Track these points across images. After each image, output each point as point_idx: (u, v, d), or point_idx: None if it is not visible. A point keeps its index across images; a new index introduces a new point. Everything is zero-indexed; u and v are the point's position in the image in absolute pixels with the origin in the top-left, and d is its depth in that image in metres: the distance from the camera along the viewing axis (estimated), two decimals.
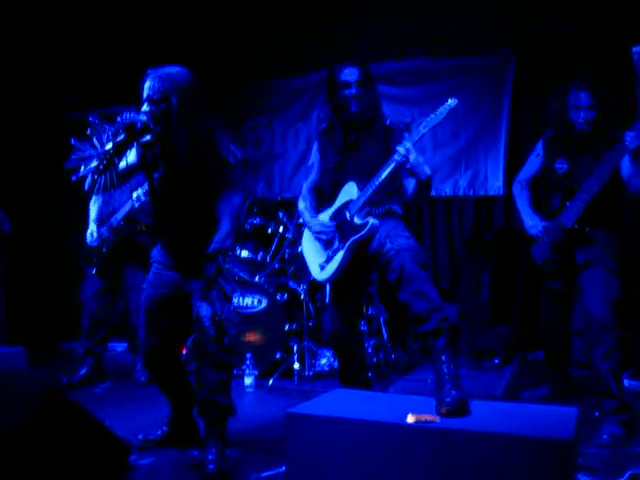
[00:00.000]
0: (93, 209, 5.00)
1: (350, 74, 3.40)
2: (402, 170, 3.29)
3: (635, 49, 4.49)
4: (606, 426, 3.51)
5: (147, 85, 3.07)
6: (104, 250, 4.89)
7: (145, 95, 3.06)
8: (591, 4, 5.21)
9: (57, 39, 6.10)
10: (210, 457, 3.05)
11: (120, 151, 3.00)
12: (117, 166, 3.00)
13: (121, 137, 2.95)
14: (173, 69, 3.13)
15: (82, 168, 2.97)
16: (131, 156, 3.23)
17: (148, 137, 3.13)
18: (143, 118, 3.01)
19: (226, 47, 6.45)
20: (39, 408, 2.80)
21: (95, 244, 4.88)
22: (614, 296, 3.61)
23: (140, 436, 3.52)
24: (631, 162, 3.54)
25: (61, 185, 6.58)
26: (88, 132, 2.99)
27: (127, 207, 4.77)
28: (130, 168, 3.20)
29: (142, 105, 3.05)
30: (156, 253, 3.39)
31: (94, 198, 5.00)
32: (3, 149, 6.51)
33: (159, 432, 3.54)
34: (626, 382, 4.07)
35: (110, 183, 3.01)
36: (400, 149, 3.18)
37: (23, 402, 2.80)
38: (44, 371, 5.16)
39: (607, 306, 3.58)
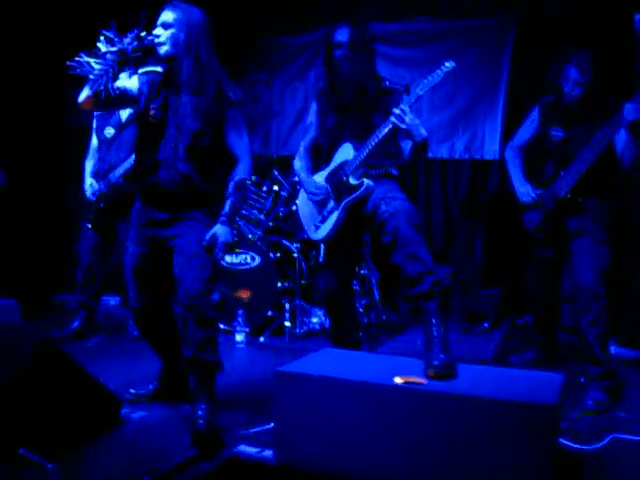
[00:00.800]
0: (89, 164, 4.97)
1: (342, 34, 3.37)
2: (399, 132, 3.28)
3: (637, 17, 4.42)
4: (591, 392, 3.56)
5: (162, 14, 3.17)
6: (100, 205, 4.87)
7: (159, 22, 3.15)
8: None
9: None
10: (200, 413, 3.09)
11: (123, 64, 3.02)
12: (115, 77, 3.02)
13: (130, 49, 2.99)
14: (189, 5, 3.22)
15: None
16: (130, 82, 3.27)
17: (150, 67, 3.24)
18: (154, 40, 3.08)
19: (229, 2, 6.36)
20: (31, 361, 2.83)
21: (93, 198, 4.86)
22: (603, 266, 3.62)
23: (132, 390, 3.55)
24: (626, 134, 3.53)
25: (58, 138, 6.60)
26: (99, 43, 3.00)
27: (126, 165, 4.73)
28: (125, 92, 3.21)
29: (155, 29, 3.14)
30: (137, 209, 3.36)
31: (90, 153, 4.97)
32: None
33: (150, 387, 3.58)
34: (613, 349, 4.12)
35: (105, 96, 3.01)
36: (395, 110, 3.16)
37: (15, 355, 2.84)
38: (37, 324, 5.20)
39: (596, 275, 3.60)
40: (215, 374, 3.23)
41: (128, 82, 3.25)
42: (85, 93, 3.05)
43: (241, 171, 3.28)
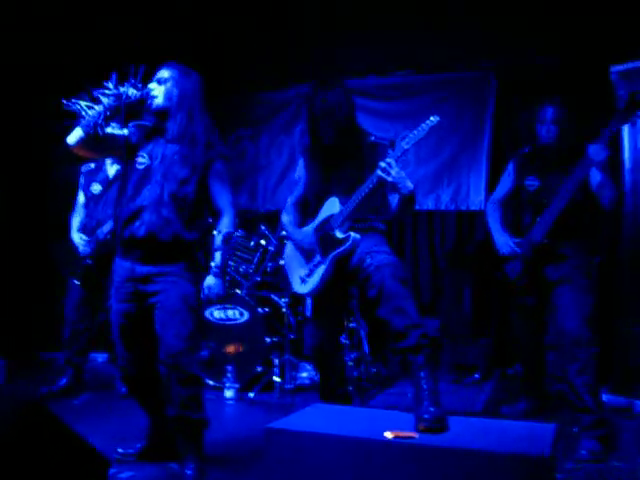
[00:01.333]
0: (75, 221, 4.98)
1: (327, 87, 3.42)
2: (385, 185, 3.32)
3: (613, 68, 4.54)
4: (584, 441, 3.52)
5: (159, 72, 3.34)
6: (89, 261, 4.87)
7: (155, 78, 3.32)
8: (572, 25, 5.27)
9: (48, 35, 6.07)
10: (188, 472, 3.04)
11: (117, 110, 3.12)
12: (107, 120, 3.12)
13: (125, 96, 3.13)
14: (185, 66, 3.41)
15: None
16: (119, 131, 3.33)
17: (140, 122, 3.37)
18: (149, 92, 3.24)
19: (211, 59, 6.46)
20: (15, 420, 2.78)
21: (87, 253, 4.85)
22: (586, 312, 3.62)
23: (119, 449, 3.50)
24: (601, 174, 3.58)
25: (44, 192, 6.63)
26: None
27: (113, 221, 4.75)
28: (114, 136, 3.28)
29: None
30: (117, 266, 3.34)
31: (77, 209, 4.99)
32: None
33: (138, 445, 3.52)
34: (604, 397, 4.10)
35: (95, 135, 3.10)
36: (382, 164, 3.19)
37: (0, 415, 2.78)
38: (23, 382, 5.13)
39: (578, 321, 3.60)
40: (201, 431, 3.19)
41: (117, 131, 3.32)
42: (76, 133, 3.12)
43: (226, 224, 3.34)
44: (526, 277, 3.88)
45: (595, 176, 3.62)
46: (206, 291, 3.30)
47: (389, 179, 3.19)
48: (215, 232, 3.35)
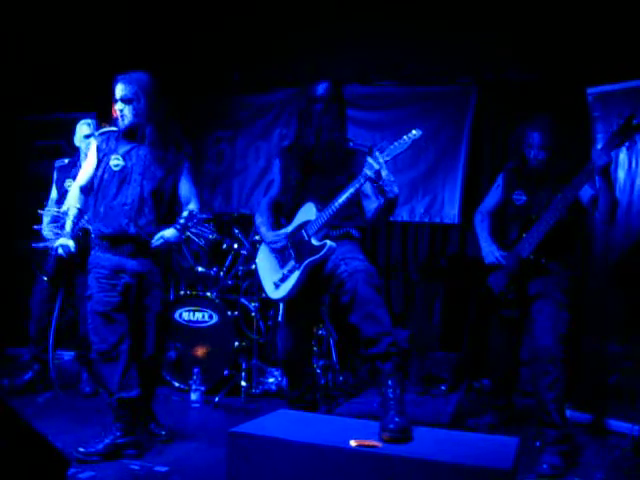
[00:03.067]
0: (46, 219, 4.91)
1: (322, 89, 3.47)
2: (362, 192, 3.31)
3: (589, 90, 4.60)
4: (546, 456, 3.55)
5: (118, 88, 3.55)
6: (57, 257, 4.80)
7: (118, 96, 3.54)
8: (551, 45, 5.35)
9: (23, 41, 6.05)
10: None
11: None
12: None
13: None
14: (139, 74, 3.60)
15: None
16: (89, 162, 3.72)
17: (106, 128, 3.74)
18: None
19: (193, 61, 6.46)
20: None
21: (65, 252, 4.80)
22: (561, 330, 3.66)
23: (81, 449, 3.45)
24: (600, 180, 3.56)
25: (15, 186, 6.55)
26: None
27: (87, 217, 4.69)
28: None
29: (115, 105, 3.56)
30: (98, 257, 3.64)
31: (49, 205, 4.92)
32: None
33: (100, 445, 3.49)
34: (567, 413, 4.13)
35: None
36: (373, 163, 3.13)
37: None
38: None
39: (554, 339, 3.63)
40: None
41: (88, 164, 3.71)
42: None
43: (192, 207, 3.72)
44: (510, 291, 3.90)
45: (586, 191, 3.64)
46: (159, 239, 3.57)
47: (380, 180, 3.16)
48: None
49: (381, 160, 3.15)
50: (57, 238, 4.74)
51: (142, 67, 3.66)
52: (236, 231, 5.66)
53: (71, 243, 3.72)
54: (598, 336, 4.49)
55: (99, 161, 3.65)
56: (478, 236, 4.23)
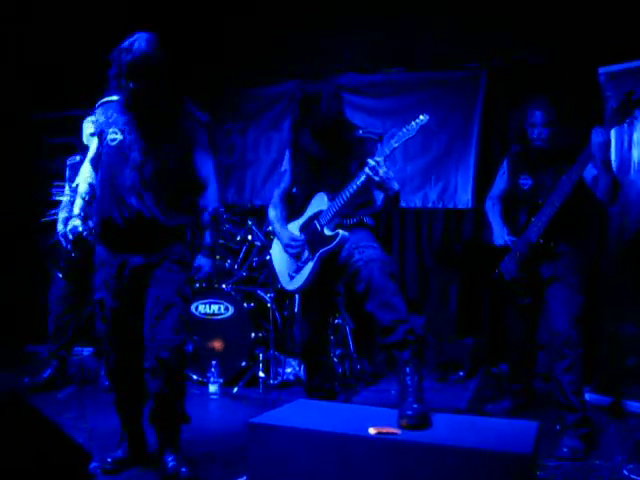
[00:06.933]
0: (62, 214, 4.93)
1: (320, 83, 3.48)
2: (371, 183, 3.31)
3: (601, 70, 4.55)
4: (566, 439, 3.54)
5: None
6: (72, 254, 4.83)
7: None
8: (561, 26, 5.29)
9: (28, 39, 6.08)
10: (183, 470, 3.01)
11: None
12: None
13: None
14: (148, 35, 3.15)
15: None
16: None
17: (107, 97, 3.26)
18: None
19: (204, 54, 6.45)
20: None
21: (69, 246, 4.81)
22: (576, 312, 3.64)
23: (109, 459, 3.31)
24: (598, 158, 3.49)
25: (28, 185, 6.59)
26: None
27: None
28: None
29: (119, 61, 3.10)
30: (100, 255, 3.22)
31: (63, 203, 4.94)
32: None
33: (119, 453, 3.37)
34: (587, 396, 4.12)
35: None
36: (370, 162, 3.19)
37: None
38: (6, 373, 5.09)
39: (569, 322, 3.62)
40: (179, 426, 3.17)
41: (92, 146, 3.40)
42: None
43: (211, 199, 3.29)
44: (522, 277, 3.88)
45: (590, 171, 3.61)
46: (197, 271, 3.28)
47: (376, 178, 3.18)
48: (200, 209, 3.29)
49: (379, 159, 3.19)
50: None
51: None
52: (249, 222, 5.67)
53: (78, 222, 3.38)
54: (615, 318, 4.47)
55: (99, 136, 3.24)
56: (490, 221, 4.23)
